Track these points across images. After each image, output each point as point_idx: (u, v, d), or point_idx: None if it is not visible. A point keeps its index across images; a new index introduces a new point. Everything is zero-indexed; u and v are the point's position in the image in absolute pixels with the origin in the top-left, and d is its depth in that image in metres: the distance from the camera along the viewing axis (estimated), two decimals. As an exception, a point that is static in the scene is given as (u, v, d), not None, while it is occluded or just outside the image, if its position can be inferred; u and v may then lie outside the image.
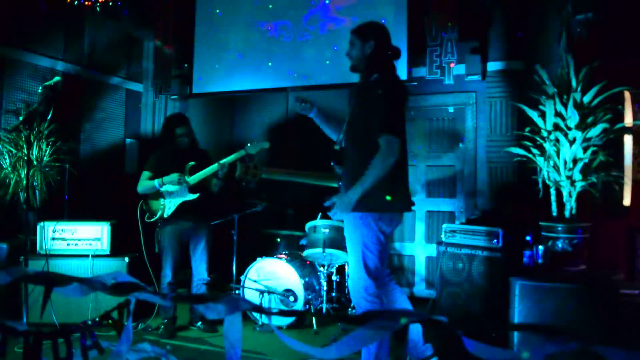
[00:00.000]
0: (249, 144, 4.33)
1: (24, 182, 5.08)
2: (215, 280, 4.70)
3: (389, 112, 2.95)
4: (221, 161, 4.27)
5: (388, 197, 2.98)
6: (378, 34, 3.20)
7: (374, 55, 3.14)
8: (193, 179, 4.40)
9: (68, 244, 4.72)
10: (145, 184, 4.50)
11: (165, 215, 4.46)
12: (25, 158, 4.55)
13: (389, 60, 3.21)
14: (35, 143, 5.24)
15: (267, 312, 1.14)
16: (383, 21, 5.85)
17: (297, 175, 3.53)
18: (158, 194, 4.49)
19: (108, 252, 4.72)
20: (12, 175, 5.20)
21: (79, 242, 4.72)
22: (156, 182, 4.42)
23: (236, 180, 3.49)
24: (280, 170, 3.40)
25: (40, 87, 3.92)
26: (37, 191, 5.30)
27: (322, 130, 3.49)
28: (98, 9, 6.27)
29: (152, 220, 4.49)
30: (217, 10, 6.83)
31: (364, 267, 3.01)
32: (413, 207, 3.25)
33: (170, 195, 4.47)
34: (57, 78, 4.11)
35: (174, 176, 4.38)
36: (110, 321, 1.51)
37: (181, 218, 4.49)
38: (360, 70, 3.22)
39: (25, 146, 5.05)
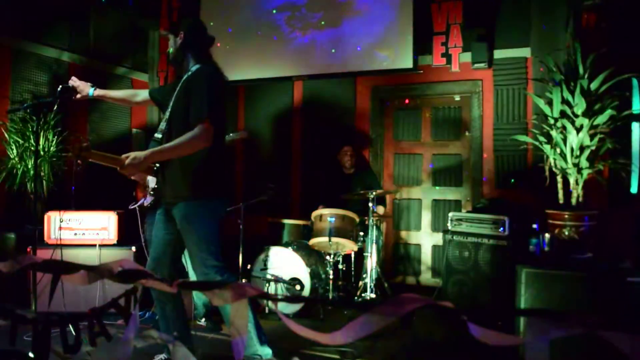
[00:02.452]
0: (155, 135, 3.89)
1: (31, 172, 5.11)
2: None
3: (209, 98, 3.03)
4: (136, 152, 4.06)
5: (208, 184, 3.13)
6: (188, 24, 3.33)
7: (186, 45, 3.25)
8: None
9: (75, 234, 4.75)
10: None
11: (146, 204, 4.17)
12: (33, 148, 4.57)
13: (204, 48, 3.33)
14: (42, 133, 5.26)
15: (273, 299, 1.15)
16: (389, 9, 5.82)
17: (104, 158, 3.43)
18: (145, 183, 4.32)
19: (115, 242, 4.75)
20: (19, 166, 5.23)
21: (86, 231, 4.75)
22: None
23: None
24: (99, 155, 3.32)
25: (61, 87, 3.88)
26: (44, 181, 5.33)
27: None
28: (103, -1, 6.27)
29: (133, 206, 4.29)
30: (222, 0, 6.81)
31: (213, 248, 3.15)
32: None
33: (152, 183, 4.30)
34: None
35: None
36: (117, 309, 1.52)
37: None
38: (178, 62, 3.32)
39: (32, 137, 5.08)
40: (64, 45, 6.09)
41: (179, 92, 3.17)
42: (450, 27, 5.51)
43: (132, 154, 2.95)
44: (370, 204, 4.77)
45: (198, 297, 4.41)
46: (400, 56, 5.80)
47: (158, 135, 3.27)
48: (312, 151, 6.51)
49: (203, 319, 4.50)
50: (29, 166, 5.18)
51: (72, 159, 3.11)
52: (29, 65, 5.72)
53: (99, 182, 5.69)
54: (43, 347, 1.50)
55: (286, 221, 5.58)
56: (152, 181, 4.11)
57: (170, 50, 3.31)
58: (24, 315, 1.54)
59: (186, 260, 4.44)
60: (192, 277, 4.31)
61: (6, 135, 5.29)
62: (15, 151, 5.24)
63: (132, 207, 4.22)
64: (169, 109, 3.22)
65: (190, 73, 3.20)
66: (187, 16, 6.82)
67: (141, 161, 2.94)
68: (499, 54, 5.54)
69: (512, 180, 5.43)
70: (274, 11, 6.49)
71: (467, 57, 5.53)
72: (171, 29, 3.34)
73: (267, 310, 4.61)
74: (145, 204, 4.13)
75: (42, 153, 5.26)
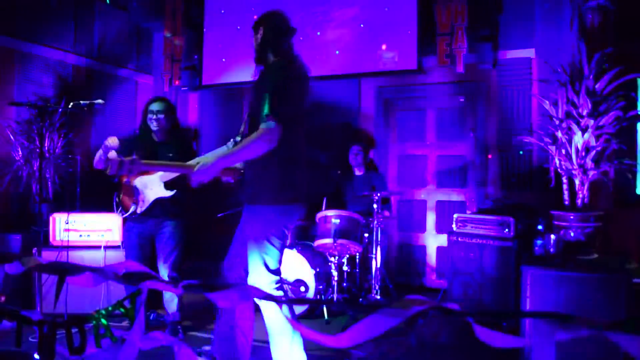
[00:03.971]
0: (232, 140, 3.71)
1: (37, 174, 5.13)
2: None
3: (274, 96, 2.79)
4: (201, 157, 3.90)
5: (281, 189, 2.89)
6: (266, 20, 3.18)
7: (266, 41, 3.09)
8: (168, 174, 3.90)
9: (80, 235, 4.76)
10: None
11: (138, 212, 4.05)
12: (38, 150, 4.59)
13: (282, 42, 3.12)
14: (47, 135, 5.28)
15: (278, 301, 1.15)
16: (393, 10, 5.82)
17: (170, 166, 3.38)
18: (131, 190, 4.09)
19: (120, 243, 4.76)
20: (24, 168, 5.26)
21: (91, 233, 4.76)
22: (101, 149, 3.95)
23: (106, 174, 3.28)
24: (154, 163, 3.29)
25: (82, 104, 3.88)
26: (49, 183, 5.35)
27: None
28: (107, 1, 6.29)
29: (125, 216, 4.10)
30: (227, 2, 6.82)
31: (268, 262, 2.93)
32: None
33: (145, 190, 4.05)
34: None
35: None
36: (122, 310, 1.53)
37: (149, 216, 4.06)
38: (262, 60, 3.15)
39: (37, 138, 5.10)
40: (69, 47, 6.12)
41: (252, 92, 3.05)
42: (454, 28, 5.50)
43: (201, 161, 2.86)
44: (375, 206, 4.77)
45: (168, 305, 4.20)
46: (404, 57, 5.79)
47: (238, 138, 3.17)
48: (316, 152, 6.51)
49: (168, 326, 4.22)
50: (35, 168, 5.20)
51: (124, 178, 3.09)
52: (34, 67, 5.75)
53: (103, 183, 5.71)
54: (48, 349, 1.51)
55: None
56: (142, 188, 4.08)
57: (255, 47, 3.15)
58: (30, 316, 1.55)
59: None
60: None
61: (12, 137, 5.31)
62: (20, 153, 5.26)
63: (125, 216, 4.10)
64: (248, 109, 3.11)
65: (263, 69, 3.03)
66: (193, 17, 6.85)
67: (208, 168, 2.79)
68: (503, 54, 5.52)
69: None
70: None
71: (471, 57, 5.52)
72: (253, 27, 3.16)
73: (271, 312, 4.60)
74: (139, 212, 4.04)
75: (47, 155, 5.28)
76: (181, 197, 4.13)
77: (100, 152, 3.87)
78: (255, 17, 3.33)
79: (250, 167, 2.95)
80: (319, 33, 6.25)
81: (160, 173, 3.95)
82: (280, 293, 2.98)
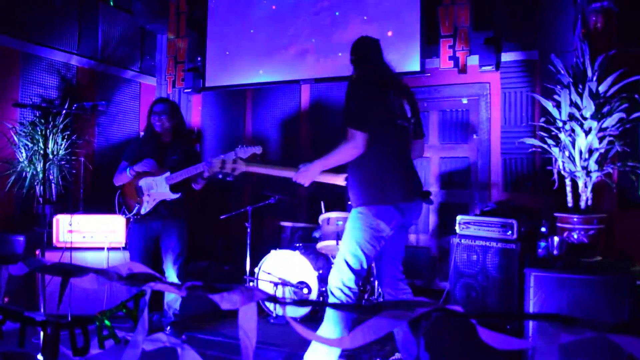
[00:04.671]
0: (240, 146, 3.97)
1: (40, 175, 5.14)
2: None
3: (355, 105, 3.07)
4: (209, 161, 3.81)
5: (380, 190, 3.04)
6: (358, 41, 3.55)
7: (357, 59, 3.44)
8: (175, 176, 4.01)
9: (84, 237, 4.77)
10: (119, 173, 4.14)
11: (142, 213, 4.07)
12: (42, 152, 4.61)
13: (369, 57, 3.44)
14: (51, 137, 5.30)
15: (281, 302, 1.15)
16: (395, 12, 5.82)
17: (275, 169, 3.54)
18: (135, 190, 4.12)
19: (123, 245, 4.76)
20: (28, 169, 5.27)
21: (94, 234, 4.77)
22: (127, 170, 4.04)
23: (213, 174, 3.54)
24: (260, 165, 3.43)
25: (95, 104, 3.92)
26: (53, 184, 5.37)
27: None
28: (111, 2, 6.31)
29: (129, 216, 4.13)
30: (230, 4, 6.84)
31: (350, 260, 3.02)
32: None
33: (149, 191, 4.07)
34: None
35: (147, 162, 4.00)
36: (126, 311, 1.53)
37: (153, 217, 4.09)
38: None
39: (41, 140, 5.11)
40: (73, 49, 6.14)
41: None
42: (457, 30, 5.50)
43: (305, 165, 3.20)
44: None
45: (169, 306, 4.19)
46: (407, 59, 5.79)
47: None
48: (319, 154, 6.50)
49: (169, 327, 4.21)
50: (38, 169, 5.22)
51: (225, 174, 3.26)
52: (38, 69, 5.77)
53: (107, 185, 5.72)
54: (52, 350, 1.51)
55: (294, 224, 5.58)
56: (147, 188, 4.09)
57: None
58: (33, 317, 1.55)
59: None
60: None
61: (16, 138, 5.33)
62: (24, 154, 5.28)
63: (128, 216, 4.12)
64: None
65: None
66: (196, 19, 6.87)
67: (308, 170, 3.17)
68: (506, 56, 5.52)
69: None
70: (282, 15, 6.50)
71: (474, 60, 5.52)
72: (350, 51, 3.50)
73: (274, 314, 4.60)
74: (143, 213, 4.07)
75: (50, 156, 5.29)
76: (186, 199, 4.14)
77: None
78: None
79: (350, 172, 3.17)
80: (321, 35, 6.26)
81: (166, 175, 3.97)
82: (344, 297, 3.04)
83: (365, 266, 3.03)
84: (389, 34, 5.88)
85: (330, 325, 3.02)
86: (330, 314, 3.04)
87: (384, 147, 3.07)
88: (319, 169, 3.18)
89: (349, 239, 3.04)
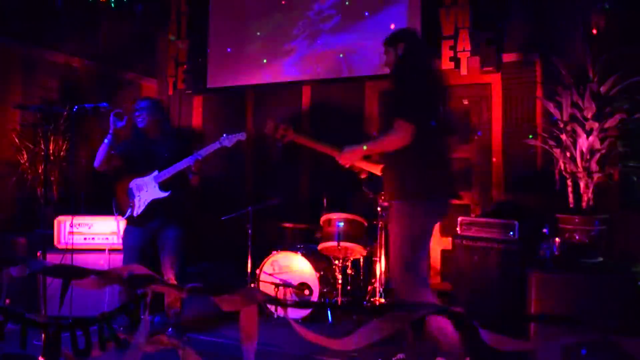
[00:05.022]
0: (224, 135, 4.01)
1: (42, 177, 5.14)
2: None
3: (407, 98, 3.11)
4: (196, 154, 3.90)
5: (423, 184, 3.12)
6: (407, 37, 3.42)
7: (406, 54, 3.32)
8: (163, 174, 3.96)
9: (85, 239, 4.76)
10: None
11: (135, 215, 4.04)
12: (43, 153, 4.60)
13: (420, 55, 3.40)
14: (52, 139, 5.30)
15: (282, 304, 1.15)
16: (397, 13, 5.83)
17: (320, 145, 3.67)
18: (126, 193, 4.09)
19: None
20: (30, 171, 5.27)
21: (96, 236, 4.76)
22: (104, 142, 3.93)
23: (266, 136, 3.70)
24: (306, 137, 3.57)
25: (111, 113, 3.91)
26: (54, 186, 5.37)
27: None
28: (113, 5, 6.31)
29: (123, 219, 4.11)
30: (231, 5, 6.85)
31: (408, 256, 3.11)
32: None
33: (139, 193, 4.03)
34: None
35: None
36: (127, 313, 1.53)
37: (148, 218, 4.04)
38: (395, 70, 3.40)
39: (42, 142, 5.12)
40: (74, 51, 6.14)
41: (389, 97, 3.44)
42: (458, 31, 5.50)
43: (345, 149, 3.31)
44: (379, 208, 4.76)
45: (169, 307, 4.12)
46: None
47: (374, 134, 3.49)
48: (321, 156, 6.51)
49: (170, 329, 4.16)
50: (40, 171, 5.22)
51: (275, 138, 3.48)
52: (39, 71, 5.77)
53: (108, 186, 5.73)
54: (53, 351, 1.51)
55: (295, 226, 5.57)
56: (137, 189, 4.07)
57: (389, 62, 3.41)
58: (35, 319, 1.55)
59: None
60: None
61: (17, 140, 5.33)
62: (26, 156, 5.28)
63: (124, 219, 4.10)
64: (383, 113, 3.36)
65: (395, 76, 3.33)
66: (197, 21, 6.87)
67: (354, 151, 3.29)
68: (507, 57, 5.51)
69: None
70: (283, 16, 6.50)
71: (475, 61, 5.51)
72: (389, 43, 3.42)
73: (275, 315, 4.60)
74: (135, 215, 4.04)
75: (52, 158, 5.29)
76: (179, 197, 4.09)
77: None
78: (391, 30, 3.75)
79: (391, 165, 3.23)
80: (322, 37, 6.26)
81: (154, 174, 3.97)
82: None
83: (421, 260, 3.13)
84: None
85: None
86: None
87: (430, 141, 3.13)
88: (362, 154, 3.29)
89: (402, 236, 3.09)
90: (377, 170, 3.37)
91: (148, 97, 4.19)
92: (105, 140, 3.92)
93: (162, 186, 3.98)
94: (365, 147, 3.24)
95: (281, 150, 3.86)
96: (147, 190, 4.02)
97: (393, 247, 3.13)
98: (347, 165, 3.41)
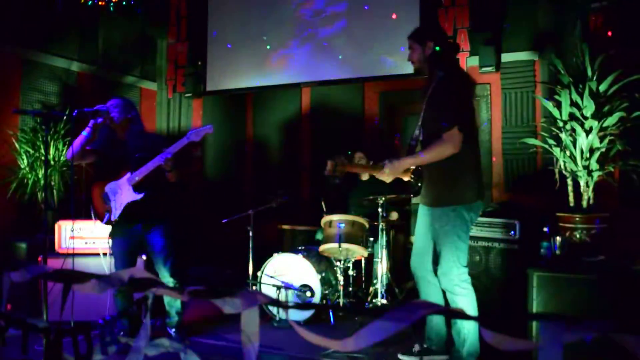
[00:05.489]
0: (191, 130, 3.88)
1: (42, 182, 5.14)
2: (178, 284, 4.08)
3: (455, 106, 3.17)
4: (165, 152, 3.80)
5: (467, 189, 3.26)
6: (436, 35, 3.41)
7: (435, 54, 3.33)
8: (135, 175, 3.87)
9: (86, 243, 4.76)
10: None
11: (112, 219, 3.96)
12: (43, 158, 4.60)
13: (450, 56, 3.48)
14: (52, 143, 5.30)
15: (284, 306, 1.15)
16: (395, 15, 5.84)
17: (367, 168, 3.76)
18: (102, 198, 4.02)
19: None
20: (30, 176, 5.28)
21: (96, 240, 4.76)
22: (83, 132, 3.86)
23: (324, 178, 3.70)
24: (357, 165, 3.62)
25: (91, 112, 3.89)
26: (54, 191, 5.37)
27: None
28: (112, 8, 6.32)
29: (103, 223, 4.02)
30: (230, 8, 6.85)
31: (460, 258, 3.29)
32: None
33: (114, 196, 3.97)
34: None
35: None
36: (128, 317, 1.53)
37: (129, 221, 3.97)
38: (426, 70, 3.41)
39: (42, 146, 5.12)
40: (73, 55, 6.15)
41: (429, 100, 3.32)
42: (457, 32, 5.50)
43: (391, 162, 3.25)
44: (379, 210, 4.76)
45: (170, 305, 4.12)
46: (408, 61, 5.79)
47: (412, 143, 3.46)
48: (321, 158, 6.51)
49: (174, 329, 4.14)
50: (40, 176, 5.22)
51: (332, 177, 3.47)
52: (39, 75, 5.78)
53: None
54: (55, 356, 1.51)
55: (296, 227, 5.57)
56: (112, 193, 4.04)
57: (415, 58, 3.41)
58: (36, 324, 1.55)
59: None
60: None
61: (17, 145, 5.34)
62: (25, 161, 5.29)
63: (103, 224, 4.04)
64: (421, 117, 3.39)
65: (437, 81, 3.30)
66: (197, 24, 6.87)
67: (397, 167, 3.25)
68: (506, 57, 5.52)
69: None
70: (282, 18, 6.51)
71: (474, 61, 5.52)
72: (416, 38, 3.40)
73: (277, 318, 4.60)
74: (113, 220, 3.98)
75: (52, 163, 5.30)
76: (157, 198, 4.01)
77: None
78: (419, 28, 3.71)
79: (435, 171, 3.28)
80: (321, 39, 6.27)
81: (127, 176, 3.92)
82: (469, 287, 3.35)
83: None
84: (389, 36, 5.88)
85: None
86: (469, 307, 3.31)
87: (474, 145, 3.29)
88: (405, 167, 3.29)
89: (454, 238, 3.23)
90: (407, 176, 3.40)
91: (120, 96, 4.15)
92: (84, 133, 3.87)
93: (137, 188, 3.90)
94: (413, 160, 3.26)
95: (339, 184, 3.93)
96: (122, 194, 3.95)
97: (448, 248, 3.26)
98: (388, 182, 3.49)
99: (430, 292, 3.53)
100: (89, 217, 4.83)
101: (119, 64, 6.76)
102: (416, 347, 3.61)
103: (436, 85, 3.28)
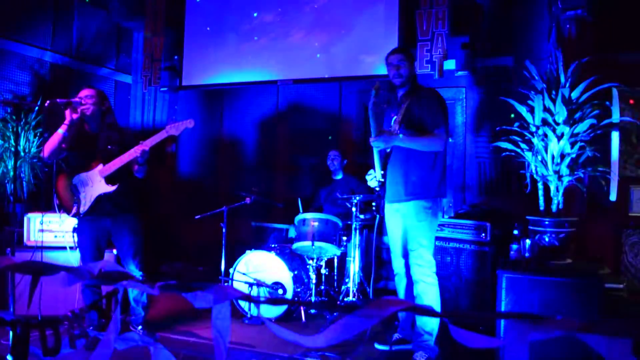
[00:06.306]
0: (169, 125, 3.83)
1: (11, 173, 5.05)
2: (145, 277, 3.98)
3: (443, 113, 3.69)
4: (142, 144, 3.75)
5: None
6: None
7: (414, 71, 3.91)
8: (108, 167, 3.79)
9: (55, 236, 4.69)
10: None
11: (81, 212, 3.86)
12: (13, 149, 4.52)
13: None
14: (22, 134, 5.21)
15: (256, 301, 1.15)
16: (374, 15, 5.86)
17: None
18: (70, 190, 3.90)
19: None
20: (-1, 167, 5.17)
21: (66, 234, 4.69)
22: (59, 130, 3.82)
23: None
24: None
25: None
26: (24, 183, 5.27)
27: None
28: (87, -1, 6.23)
29: (70, 216, 3.93)
30: (208, 3, 6.80)
31: (431, 250, 3.63)
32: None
33: (84, 188, 3.87)
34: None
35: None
36: (98, 310, 1.51)
37: (97, 214, 3.88)
38: (408, 84, 3.85)
39: (12, 137, 5.02)
40: (47, 45, 6.04)
41: (412, 103, 3.71)
42: (435, 35, 5.55)
43: (386, 132, 3.66)
44: (354, 209, 4.78)
45: (136, 301, 4.06)
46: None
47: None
48: (296, 155, 6.51)
49: (140, 327, 4.04)
50: (9, 167, 5.12)
51: (376, 95, 3.87)
52: (11, 65, 5.67)
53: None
54: (22, 350, 1.49)
55: (269, 225, 5.56)
56: (81, 186, 3.95)
57: (404, 73, 3.83)
58: (3, 317, 1.53)
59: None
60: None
61: (-14, 135, 5.23)
62: (-5, 152, 5.18)
63: (70, 217, 3.94)
64: (400, 115, 3.72)
65: (418, 89, 3.81)
66: (174, 17, 6.82)
67: (389, 139, 3.61)
68: (482, 61, 5.58)
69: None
70: (256, 14, 6.48)
71: (451, 64, 5.57)
72: (407, 56, 3.90)
73: (249, 315, 4.58)
74: (82, 212, 3.88)
75: (22, 154, 5.20)
76: (128, 190, 3.95)
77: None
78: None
79: (411, 168, 3.66)
80: (299, 37, 6.26)
81: (99, 168, 3.84)
82: (436, 283, 3.63)
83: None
84: (368, 37, 5.90)
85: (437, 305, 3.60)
86: (434, 301, 3.56)
87: (446, 151, 3.80)
88: (395, 142, 3.62)
89: (427, 231, 3.62)
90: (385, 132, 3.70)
91: (91, 87, 4.02)
92: (60, 131, 3.79)
93: (109, 180, 3.82)
94: (401, 136, 3.59)
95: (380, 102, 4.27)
96: (92, 186, 3.85)
97: (415, 236, 3.60)
98: (379, 149, 3.72)
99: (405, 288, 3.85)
100: (59, 211, 4.76)
101: (94, 55, 6.67)
102: (396, 337, 3.88)
103: (423, 93, 3.74)
